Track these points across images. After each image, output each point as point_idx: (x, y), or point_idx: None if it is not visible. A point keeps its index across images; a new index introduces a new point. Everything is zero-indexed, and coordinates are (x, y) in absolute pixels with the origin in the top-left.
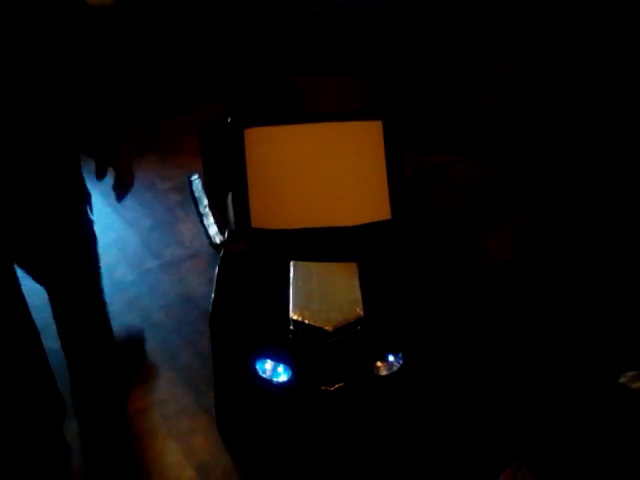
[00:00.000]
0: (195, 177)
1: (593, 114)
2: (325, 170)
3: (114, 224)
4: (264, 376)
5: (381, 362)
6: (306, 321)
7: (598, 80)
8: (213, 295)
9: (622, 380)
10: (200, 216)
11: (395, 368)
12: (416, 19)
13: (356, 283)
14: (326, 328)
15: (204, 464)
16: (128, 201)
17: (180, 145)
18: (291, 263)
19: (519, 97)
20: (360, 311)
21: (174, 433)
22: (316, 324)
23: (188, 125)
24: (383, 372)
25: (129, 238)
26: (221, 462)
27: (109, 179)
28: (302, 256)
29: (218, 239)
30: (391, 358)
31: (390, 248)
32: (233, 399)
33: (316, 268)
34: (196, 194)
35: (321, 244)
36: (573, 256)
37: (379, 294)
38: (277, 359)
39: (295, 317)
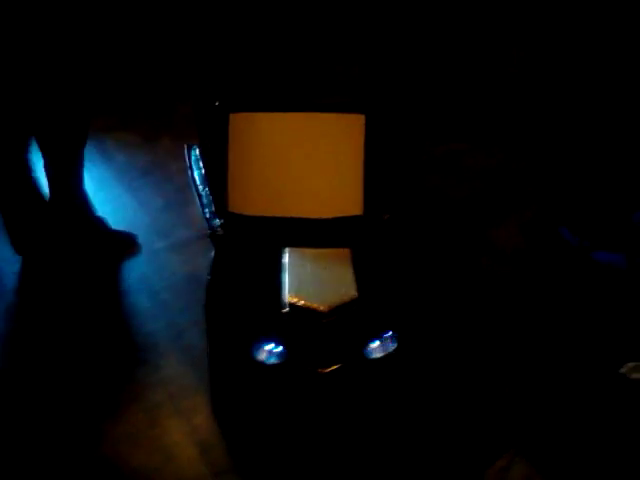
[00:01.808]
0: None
1: (605, 108)
2: (303, 160)
3: (125, 204)
4: (259, 358)
5: (375, 343)
6: (301, 302)
7: (610, 75)
8: (208, 278)
9: (622, 370)
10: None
11: (390, 350)
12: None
13: (349, 267)
14: (321, 309)
15: (205, 442)
16: (140, 181)
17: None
18: (286, 249)
19: (534, 84)
20: (354, 292)
21: (177, 411)
22: (311, 305)
23: None
24: (377, 354)
25: (139, 218)
26: (222, 441)
27: (122, 159)
28: (288, 242)
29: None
30: (385, 339)
31: (372, 239)
32: (228, 381)
33: (310, 254)
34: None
35: (307, 232)
36: (580, 247)
37: (373, 278)
38: (272, 341)
39: (290, 299)
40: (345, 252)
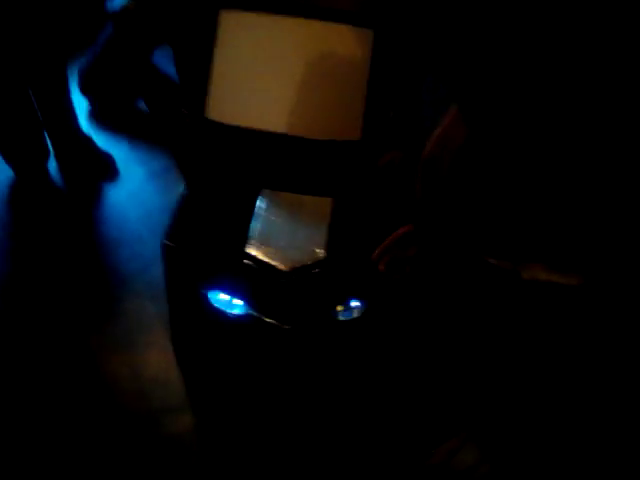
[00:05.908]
0: None
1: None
2: (300, 72)
3: (102, 130)
4: (217, 306)
5: (341, 306)
6: (261, 257)
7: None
8: (172, 216)
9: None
10: None
11: (355, 314)
12: None
13: (326, 222)
14: (280, 268)
15: (153, 379)
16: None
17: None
18: (261, 192)
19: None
20: (321, 253)
21: (132, 345)
22: (271, 262)
23: None
24: (340, 318)
25: (115, 144)
26: (170, 379)
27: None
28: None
29: None
30: (352, 304)
31: (360, 188)
32: (187, 323)
33: (287, 199)
34: None
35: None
36: None
37: (349, 237)
38: (229, 291)
39: (251, 251)
40: (326, 202)
